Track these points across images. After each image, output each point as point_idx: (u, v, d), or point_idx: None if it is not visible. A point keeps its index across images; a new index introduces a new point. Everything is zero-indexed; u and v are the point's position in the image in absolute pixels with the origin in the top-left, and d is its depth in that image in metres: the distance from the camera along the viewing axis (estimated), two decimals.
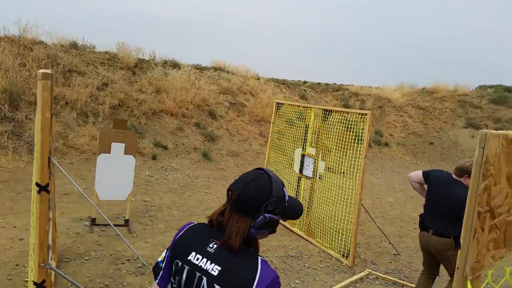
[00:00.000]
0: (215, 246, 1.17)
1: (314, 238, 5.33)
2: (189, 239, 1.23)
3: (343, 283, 4.20)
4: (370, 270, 4.57)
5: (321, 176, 5.22)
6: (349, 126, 4.85)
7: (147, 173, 7.57)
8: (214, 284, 1.11)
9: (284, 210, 1.24)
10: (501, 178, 1.13)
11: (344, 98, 16.01)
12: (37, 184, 1.76)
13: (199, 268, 1.15)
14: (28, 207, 5.15)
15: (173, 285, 1.23)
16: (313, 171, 5.32)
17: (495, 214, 1.15)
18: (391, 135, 16.14)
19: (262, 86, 13.12)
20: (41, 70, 1.72)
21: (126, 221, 5.05)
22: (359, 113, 4.60)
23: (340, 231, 5.00)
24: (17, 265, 3.75)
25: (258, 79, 13.44)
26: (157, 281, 1.28)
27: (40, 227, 1.79)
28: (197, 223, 1.28)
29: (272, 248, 5.01)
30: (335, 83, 20.37)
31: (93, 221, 4.94)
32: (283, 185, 1.24)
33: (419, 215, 3.40)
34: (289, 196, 1.30)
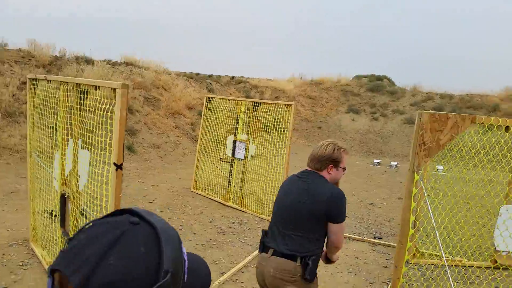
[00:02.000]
0: None
1: (247, 208, 6.57)
2: None
3: None
4: None
5: (252, 156, 6.48)
6: (276, 116, 6.17)
7: None
8: None
9: None
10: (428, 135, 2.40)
11: (245, 90, 17.53)
12: (115, 164, 2.61)
13: None
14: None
15: None
16: (245, 154, 6.55)
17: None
18: (286, 122, 18.25)
19: (173, 81, 13.86)
20: (118, 82, 2.55)
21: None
22: (285, 104, 5.95)
23: (269, 199, 6.34)
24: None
25: (169, 74, 14.13)
26: None
27: (116, 195, 2.65)
28: None
29: (216, 219, 6.12)
30: (233, 76, 21.84)
31: (52, 213, 5.45)
32: (180, 242, 0.66)
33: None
34: (188, 254, 0.72)
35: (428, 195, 5.70)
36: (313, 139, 17.30)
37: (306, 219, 2.11)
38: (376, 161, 13.61)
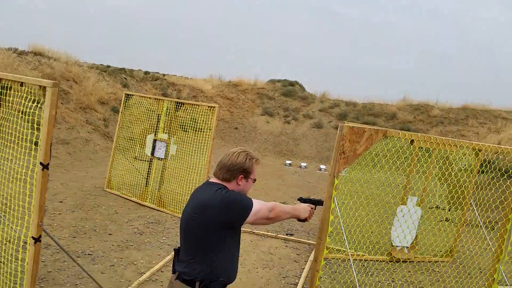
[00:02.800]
0: None
1: (165, 208, 6.53)
2: None
3: None
4: None
5: (173, 156, 6.46)
6: (196, 116, 6.23)
7: None
8: None
9: None
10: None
11: (162, 88, 17.18)
12: (41, 163, 2.48)
13: None
14: None
15: None
16: (165, 153, 6.51)
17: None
18: (203, 121, 18.30)
19: (85, 73, 13.05)
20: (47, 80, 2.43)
21: None
22: (208, 106, 6.04)
23: (188, 199, 6.38)
24: None
25: (81, 66, 13.27)
26: None
27: (41, 195, 2.52)
28: None
29: (133, 219, 5.99)
30: (148, 71, 21.21)
31: None
32: None
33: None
34: None
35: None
36: (229, 139, 17.58)
37: (202, 236, 1.92)
38: (288, 162, 14.32)
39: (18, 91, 2.65)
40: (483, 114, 17.53)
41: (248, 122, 18.78)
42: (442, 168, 5.49)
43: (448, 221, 6.53)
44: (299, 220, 2.31)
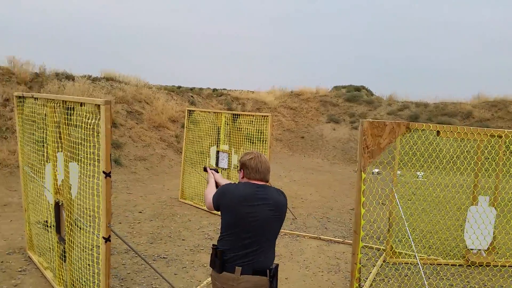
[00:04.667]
0: None
1: None
2: None
3: None
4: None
5: (235, 166, 6.74)
6: (258, 126, 6.46)
7: None
8: None
9: None
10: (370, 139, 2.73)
11: (227, 103, 17.83)
12: (104, 172, 2.82)
13: None
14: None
15: None
16: (228, 163, 6.81)
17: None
18: (259, 131, 18.66)
19: (155, 94, 14.05)
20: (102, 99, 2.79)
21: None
22: (262, 116, 6.25)
23: None
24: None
25: (150, 87, 14.33)
26: None
27: (106, 200, 2.86)
28: None
29: (204, 226, 6.31)
30: (215, 88, 22.16)
31: (46, 223, 5.58)
32: None
33: (214, 248, 2.26)
34: None
35: (409, 199, 6.06)
36: (297, 148, 17.67)
37: (275, 230, 2.28)
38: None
39: (80, 111, 2.99)
40: None
41: (314, 131, 18.75)
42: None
43: None
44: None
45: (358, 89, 21.49)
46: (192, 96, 16.46)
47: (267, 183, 2.34)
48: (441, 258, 5.31)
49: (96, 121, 2.76)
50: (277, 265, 2.27)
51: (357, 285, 2.76)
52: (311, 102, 19.84)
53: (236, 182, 2.42)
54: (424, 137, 6.01)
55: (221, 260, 2.18)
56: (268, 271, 2.18)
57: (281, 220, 2.28)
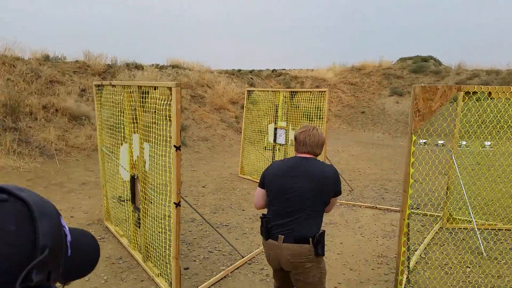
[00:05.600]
0: None
1: None
2: None
3: None
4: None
5: (292, 141, 6.98)
6: (315, 103, 6.63)
7: None
8: None
9: (69, 265, 0.65)
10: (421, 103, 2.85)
11: (286, 82, 17.97)
12: (174, 146, 3.24)
13: None
14: (59, 196, 6.38)
15: None
16: (285, 139, 7.08)
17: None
18: (329, 109, 18.52)
19: (216, 78, 14.63)
20: (172, 82, 3.17)
21: None
22: (319, 91, 6.40)
23: None
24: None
25: (212, 72, 14.92)
26: None
27: (177, 170, 3.28)
28: None
29: None
30: (274, 69, 22.35)
31: (120, 198, 6.29)
32: (59, 216, 0.64)
33: (262, 218, 2.42)
34: (73, 230, 0.72)
35: (472, 169, 5.94)
36: (356, 124, 17.43)
37: (318, 201, 2.28)
38: (422, 141, 13.58)
39: (153, 94, 3.41)
40: None
41: (375, 105, 18.31)
42: None
43: None
44: None
45: (425, 59, 20.46)
46: (251, 78, 16.84)
47: (315, 157, 2.37)
48: (502, 223, 5.20)
49: (168, 102, 3.15)
50: (323, 232, 2.29)
51: (405, 239, 2.92)
52: (373, 76, 19.32)
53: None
54: (493, 105, 5.81)
55: (266, 228, 2.33)
56: (311, 239, 2.23)
57: (324, 191, 2.27)
